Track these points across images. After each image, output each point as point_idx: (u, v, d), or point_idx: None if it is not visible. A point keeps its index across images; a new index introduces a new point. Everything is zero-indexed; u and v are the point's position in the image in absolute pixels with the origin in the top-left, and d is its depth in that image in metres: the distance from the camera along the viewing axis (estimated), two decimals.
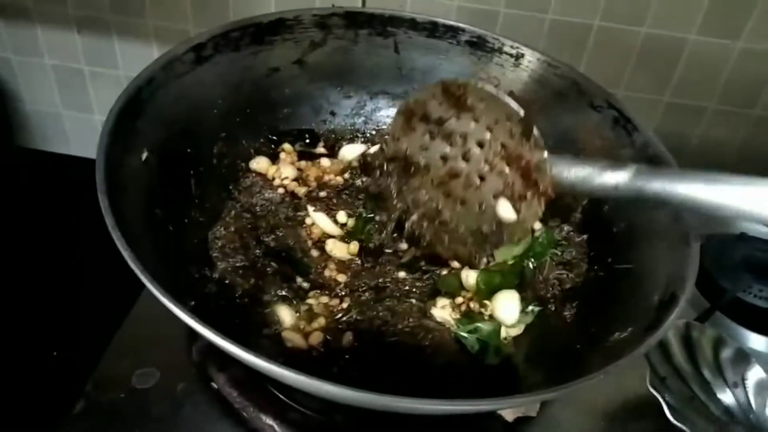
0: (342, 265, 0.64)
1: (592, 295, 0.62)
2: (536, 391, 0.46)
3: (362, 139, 0.78)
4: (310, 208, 0.67)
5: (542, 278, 0.65)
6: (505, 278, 0.64)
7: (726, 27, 0.86)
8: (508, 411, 0.58)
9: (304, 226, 0.67)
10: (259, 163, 0.71)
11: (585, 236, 0.67)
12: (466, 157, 0.60)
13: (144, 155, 0.58)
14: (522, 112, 0.57)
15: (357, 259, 0.65)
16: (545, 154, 0.57)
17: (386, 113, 0.79)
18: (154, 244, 0.53)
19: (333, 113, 0.78)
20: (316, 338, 0.57)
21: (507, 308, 0.62)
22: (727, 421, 0.61)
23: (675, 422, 0.58)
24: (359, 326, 0.58)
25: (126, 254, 0.44)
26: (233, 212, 0.66)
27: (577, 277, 0.64)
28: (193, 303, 0.50)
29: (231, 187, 0.69)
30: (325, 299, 0.61)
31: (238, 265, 0.61)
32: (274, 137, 0.74)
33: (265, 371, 0.43)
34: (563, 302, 0.63)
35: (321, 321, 0.59)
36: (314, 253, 0.65)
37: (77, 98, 1.09)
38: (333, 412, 0.58)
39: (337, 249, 0.65)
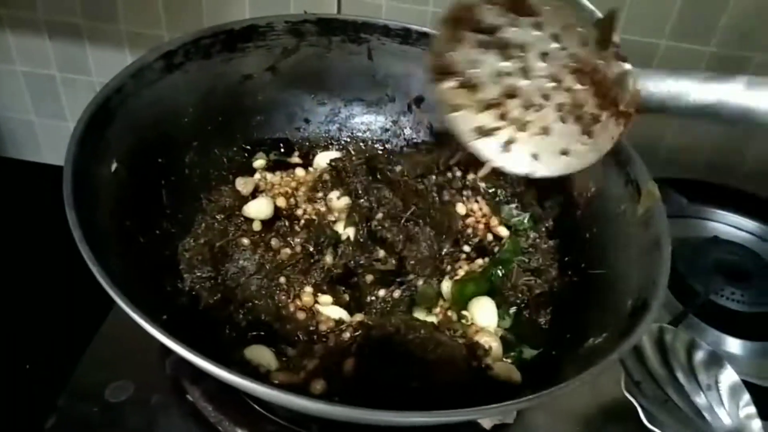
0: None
1: (567, 301, 0.63)
2: (511, 401, 0.46)
3: (337, 147, 0.78)
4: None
5: (511, 285, 0.65)
6: (478, 285, 0.64)
7: (696, 32, 0.87)
8: (486, 419, 0.58)
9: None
10: (246, 185, 0.69)
11: (552, 242, 0.68)
12: (525, 73, 0.51)
13: (114, 166, 0.57)
14: (598, 14, 0.48)
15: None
16: (628, 65, 0.48)
17: (360, 120, 0.79)
18: (125, 257, 0.52)
19: (307, 120, 0.77)
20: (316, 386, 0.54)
21: (485, 314, 0.62)
22: (701, 423, 0.61)
23: (650, 426, 0.59)
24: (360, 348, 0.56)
25: (95, 269, 0.43)
26: (203, 225, 0.64)
27: (546, 283, 0.65)
28: (165, 317, 0.49)
29: (202, 196, 0.67)
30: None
31: (204, 276, 0.60)
32: (248, 146, 0.74)
33: (239, 387, 0.43)
34: (537, 308, 0.63)
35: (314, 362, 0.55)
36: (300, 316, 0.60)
37: (49, 105, 1.08)
38: (310, 423, 0.57)
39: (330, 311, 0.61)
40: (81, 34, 0.99)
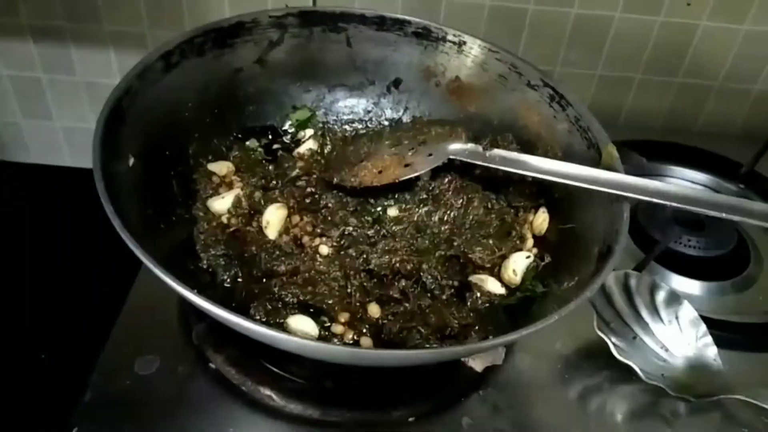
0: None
1: (543, 254, 0.70)
2: (499, 336, 0.53)
3: (323, 130, 0.82)
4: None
5: None
6: None
7: (647, 4, 0.93)
8: (478, 361, 0.65)
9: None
10: (220, 169, 0.74)
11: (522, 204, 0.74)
12: None
13: (131, 161, 0.62)
14: None
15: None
16: None
17: (344, 104, 0.83)
18: (151, 240, 0.57)
19: (294, 107, 0.82)
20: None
21: None
22: (665, 354, 0.68)
23: (621, 359, 0.65)
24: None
25: (138, 252, 0.49)
26: (200, 212, 0.69)
27: None
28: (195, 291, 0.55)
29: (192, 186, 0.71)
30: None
31: (218, 254, 0.66)
32: (240, 135, 0.78)
33: (257, 336, 0.49)
34: None
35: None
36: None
37: (36, 107, 1.10)
38: (323, 380, 0.64)
39: None
40: (65, 35, 1.01)
